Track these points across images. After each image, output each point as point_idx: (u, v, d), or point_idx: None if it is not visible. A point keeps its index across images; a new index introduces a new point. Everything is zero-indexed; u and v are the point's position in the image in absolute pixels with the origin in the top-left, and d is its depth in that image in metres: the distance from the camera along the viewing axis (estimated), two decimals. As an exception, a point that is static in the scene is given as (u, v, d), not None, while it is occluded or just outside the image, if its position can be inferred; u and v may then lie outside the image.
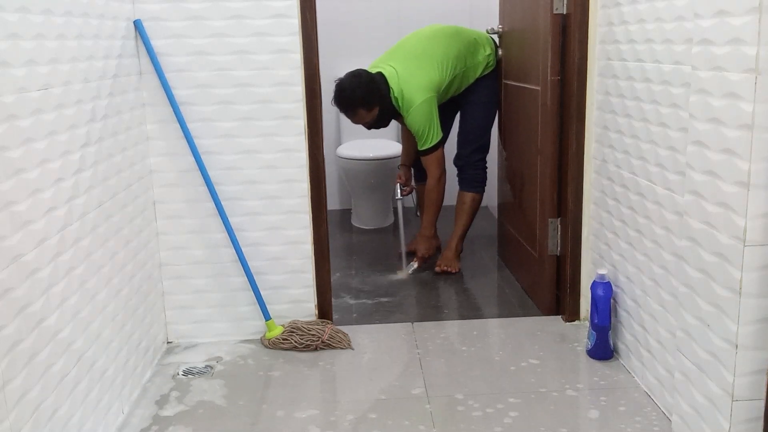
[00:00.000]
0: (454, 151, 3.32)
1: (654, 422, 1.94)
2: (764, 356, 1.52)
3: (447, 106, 3.29)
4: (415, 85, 3.04)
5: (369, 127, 3.21)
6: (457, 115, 3.37)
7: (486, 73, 3.22)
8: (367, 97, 3.04)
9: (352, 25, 4.10)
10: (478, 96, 3.22)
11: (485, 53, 3.19)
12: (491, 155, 3.41)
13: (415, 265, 3.27)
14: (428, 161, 3.15)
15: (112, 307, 1.98)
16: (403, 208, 3.46)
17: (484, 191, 3.32)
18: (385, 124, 3.22)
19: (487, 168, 3.31)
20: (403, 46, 3.22)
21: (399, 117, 3.19)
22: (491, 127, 3.30)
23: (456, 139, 3.33)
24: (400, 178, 3.48)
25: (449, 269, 3.21)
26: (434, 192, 3.20)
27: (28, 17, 1.55)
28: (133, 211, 2.19)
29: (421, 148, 3.12)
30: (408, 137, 3.41)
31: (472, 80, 3.21)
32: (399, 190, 3.42)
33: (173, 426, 1.99)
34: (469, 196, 3.26)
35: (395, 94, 3.07)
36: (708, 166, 1.59)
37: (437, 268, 3.24)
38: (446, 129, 3.32)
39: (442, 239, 3.51)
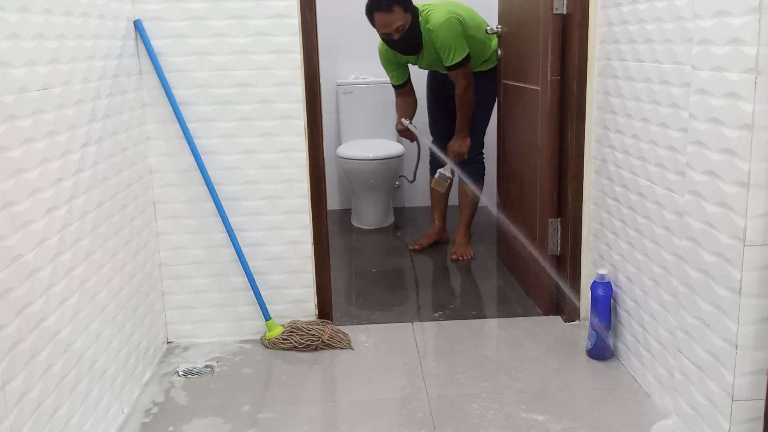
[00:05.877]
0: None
1: (654, 423, 1.94)
2: (764, 356, 1.52)
3: (449, 102, 3.35)
4: (441, 9, 3.12)
5: (396, 44, 3.17)
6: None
7: (488, 69, 3.31)
8: None
9: (352, 25, 4.10)
10: (479, 92, 3.28)
11: (495, 44, 3.27)
12: (491, 156, 3.44)
13: (448, 171, 3.36)
14: (455, 75, 3.19)
15: (112, 307, 1.98)
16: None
17: (484, 181, 3.49)
18: (412, 47, 3.19)
19: (485, 159, 3.47)
20: None
21: (418, 50, 3.21)
22: (488, 123, 3.44)
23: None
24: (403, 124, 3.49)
25: (464, 256, 3.39)
26: (465, 98, 3.24)
27: (28, 17, 1.55)
28: (133, 211, 2.19)
29: (448, 63, 3.16)
30: (405, 100, 3.48)
31: (476, 64, 3.26)
32: (408, 124, 3.45)
33: (173, 426, 2.00)
34: (471, 188, 3.42)
35: (421, 19, 3.12)
36: (708, 166, 1.59)
37: (453, 257, 3.42)
38: (447, 122, 3.43)
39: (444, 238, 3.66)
